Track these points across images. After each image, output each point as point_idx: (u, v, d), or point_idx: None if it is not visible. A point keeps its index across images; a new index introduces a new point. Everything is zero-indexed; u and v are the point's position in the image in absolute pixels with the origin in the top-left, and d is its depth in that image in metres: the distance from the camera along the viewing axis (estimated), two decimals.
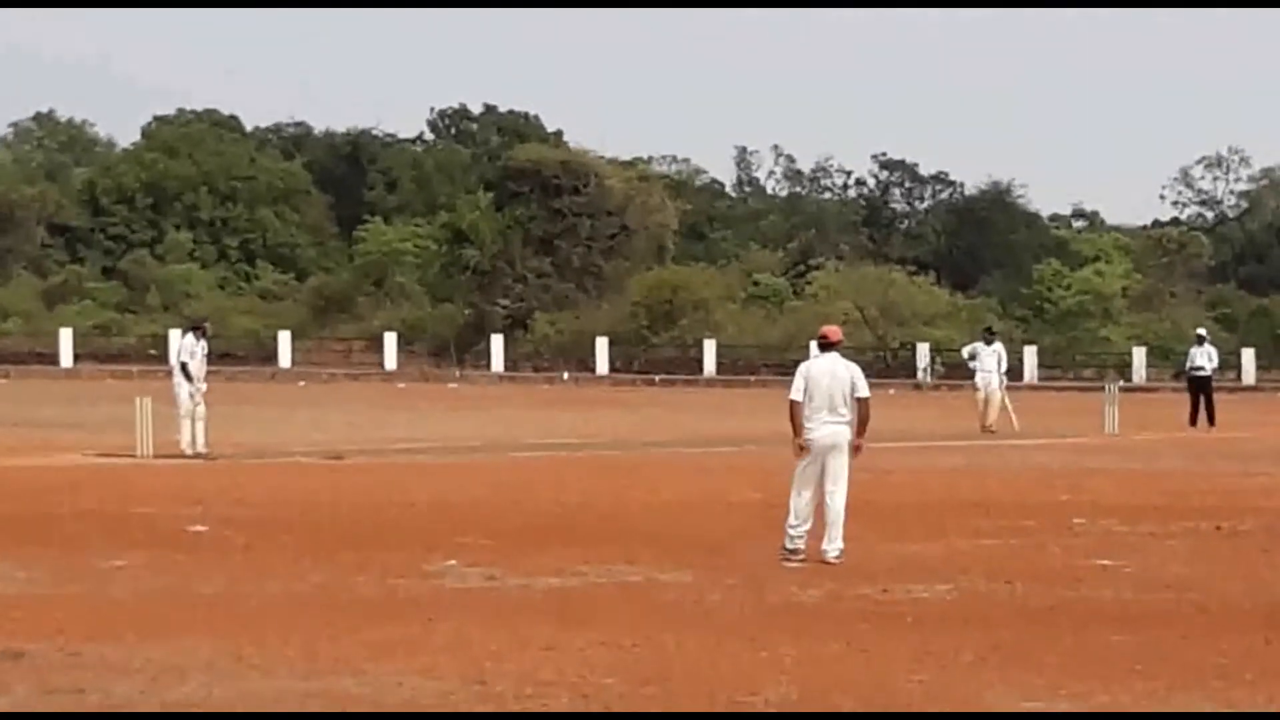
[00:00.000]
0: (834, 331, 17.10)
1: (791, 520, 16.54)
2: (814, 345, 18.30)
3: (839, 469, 16.57)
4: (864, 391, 16.68)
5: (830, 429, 16.50)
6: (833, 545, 16.43)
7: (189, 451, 28.40)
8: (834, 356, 16.76)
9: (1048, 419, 40.22)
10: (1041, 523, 19.66)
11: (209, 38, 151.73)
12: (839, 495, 16.51)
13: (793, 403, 16.64)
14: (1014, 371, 47.34)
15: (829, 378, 16.57)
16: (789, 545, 16.51)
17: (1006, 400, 37.81)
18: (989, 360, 37.94)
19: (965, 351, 40.29)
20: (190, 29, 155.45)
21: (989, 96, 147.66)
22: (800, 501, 16.53)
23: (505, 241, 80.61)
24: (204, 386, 29.13)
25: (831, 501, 16.50)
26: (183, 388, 28.99)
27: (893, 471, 25.03)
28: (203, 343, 29.71)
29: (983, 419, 37.31)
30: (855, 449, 16.64)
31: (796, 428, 16.56)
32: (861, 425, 16.66)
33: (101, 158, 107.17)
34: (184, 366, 29.19)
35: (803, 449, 16.49)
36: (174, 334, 71.03)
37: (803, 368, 16.86)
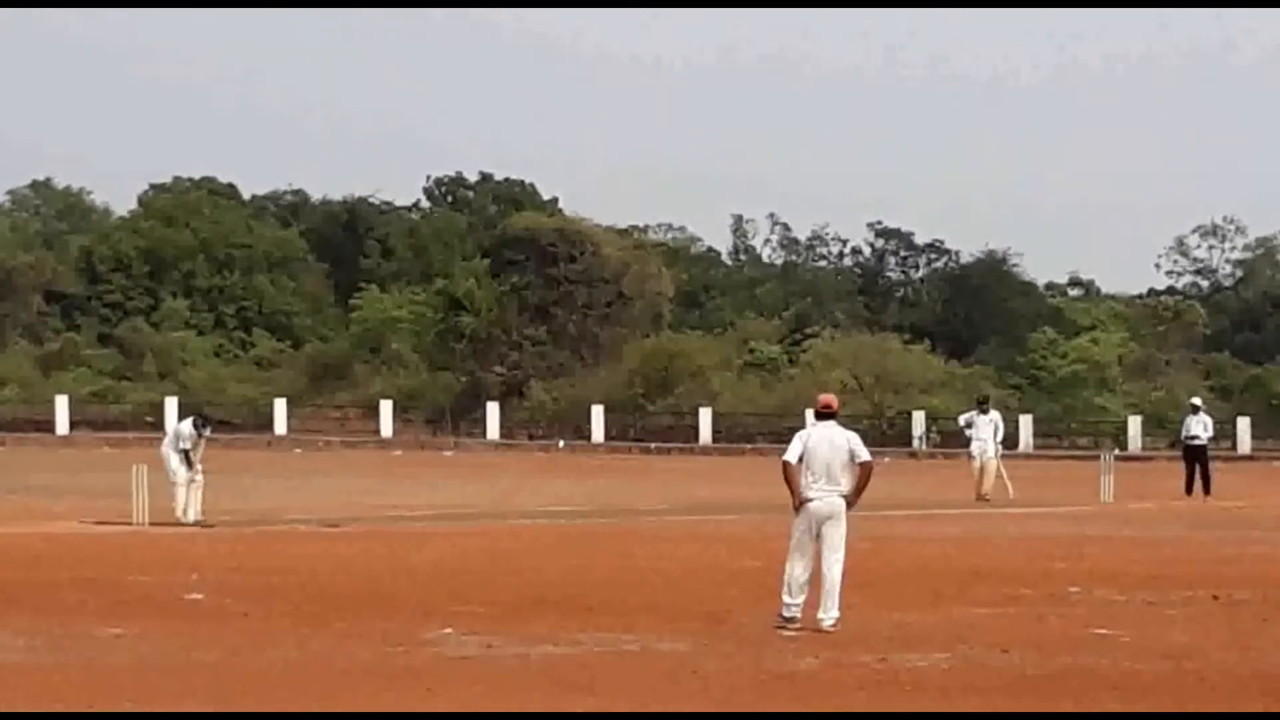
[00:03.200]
0: (833, 400, 17.16)
1: (787, 594, 16.56)
2: (810, 415, 18.33)
3: (836, 538, 16.59)
4: (864, 455, 16.71)
5: (827, 498, 16.54)
6: (828, 614, 16.44)
7: (184, 519, 28.38)
8: (832, 425, 16.80)
9: (1043, 488, 40.21)
10: (1038, 591, 19.65)
11: (207, 104, 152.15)
12: (836, 565, 16.53)
13: (785, 463, 16.70)
14: (1009, 440, 47.39)
15: (827, 446, 16.60)
16: (785, 614, 16.52)
17: (1002, 469, 37.86)
18: (984, 429, 38.03)
19: (962, 420, 40.35)
20: (189, 93, 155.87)
21: (984, 165, 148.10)
22: (796, 573, 16.53)
23: (501, 309, 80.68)
24: (200, 467, 29.11)
25: (829, 571, 16.51)
26: (173, 459, 28.97)
27: (890, 539, 25.01)
28: (206, 432, 29.65)
29: (978, 488, 37.35)
30: (847, 504, 16.68)
31: (793, 486, 16.60)
32: (858, 490, 16.69)
33: (98, 225, 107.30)
34: (185, 454, 29.08)
35: (801, 505, 16.52)
36: (170, 402, 71.24)
37: (801, 434, 16.89)
